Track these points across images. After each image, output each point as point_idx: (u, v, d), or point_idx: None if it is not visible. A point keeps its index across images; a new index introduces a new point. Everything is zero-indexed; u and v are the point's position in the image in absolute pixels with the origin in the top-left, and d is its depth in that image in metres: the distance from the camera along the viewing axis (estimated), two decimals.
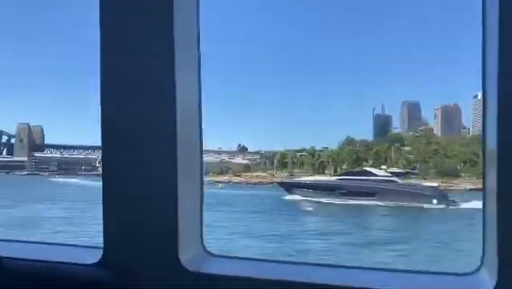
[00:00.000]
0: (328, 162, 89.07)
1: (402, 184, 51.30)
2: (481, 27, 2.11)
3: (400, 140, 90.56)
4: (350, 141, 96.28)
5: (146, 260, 2.45)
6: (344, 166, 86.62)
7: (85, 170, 79.74)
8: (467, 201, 41.24)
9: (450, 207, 45.30)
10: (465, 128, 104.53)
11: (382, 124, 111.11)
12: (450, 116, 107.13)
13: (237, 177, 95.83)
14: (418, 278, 2.44)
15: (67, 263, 2.57)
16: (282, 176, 77.46)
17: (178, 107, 2.33)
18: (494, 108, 1.99)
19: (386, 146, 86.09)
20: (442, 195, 48.67)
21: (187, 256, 2.45)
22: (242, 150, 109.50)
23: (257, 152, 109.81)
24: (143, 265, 2.46)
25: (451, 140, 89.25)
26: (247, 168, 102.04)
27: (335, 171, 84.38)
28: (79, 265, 2.54)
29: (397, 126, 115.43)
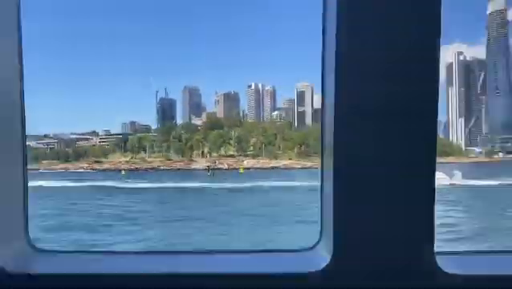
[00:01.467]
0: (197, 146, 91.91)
1: None
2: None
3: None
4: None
5: None
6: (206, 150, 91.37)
7: None
8: None
9: None
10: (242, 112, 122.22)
11: (166, 108, 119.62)
12: (231, 101, 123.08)
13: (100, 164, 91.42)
14: (258, 257, 2.41)
15: None
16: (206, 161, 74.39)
17: None
18: (331, 90, 2.08)
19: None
20: None
21: (6, 255, 2.14)
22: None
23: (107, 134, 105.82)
24: None
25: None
26: (102, 152, 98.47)
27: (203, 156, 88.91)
28: None
29: (179, 111, 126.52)
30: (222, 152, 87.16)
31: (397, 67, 1.98)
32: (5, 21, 2.08)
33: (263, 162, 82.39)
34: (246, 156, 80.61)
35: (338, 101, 2.02)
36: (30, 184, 2.36)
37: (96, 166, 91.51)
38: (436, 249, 2.12)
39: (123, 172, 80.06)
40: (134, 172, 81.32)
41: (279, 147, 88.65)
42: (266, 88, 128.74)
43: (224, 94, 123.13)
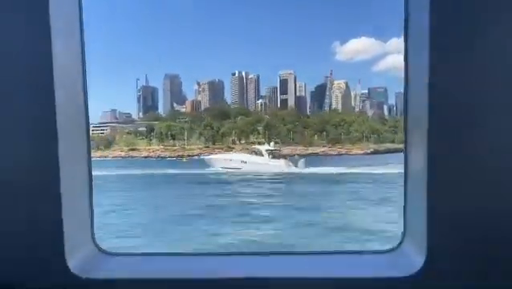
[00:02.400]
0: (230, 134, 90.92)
1: None
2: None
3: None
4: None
5: (30, 270, 2.11)
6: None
7: None
8: None
9: None
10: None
11: (148, 96, 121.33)
12: (215, 90, 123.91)
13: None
14: (345, 259, 2.33)
15: None
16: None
17: (56, 79, 2.02)
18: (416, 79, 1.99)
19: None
20: None
21: (76, 259, 2.14)
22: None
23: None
24: (27, 276, 2.12)
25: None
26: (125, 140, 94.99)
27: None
28: None
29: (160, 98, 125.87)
30: (253, 139, 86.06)
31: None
32: (69, 21, 2.19)
33: (300, 149, 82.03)
34: (277, 143, 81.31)
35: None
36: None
37: (134, 154, 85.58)
38: None
39: (184, 160, 75.68)
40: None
41: (302, 134, 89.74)
42: (250, 76, 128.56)
43: (208, 82, 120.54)
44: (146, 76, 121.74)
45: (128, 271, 2.21)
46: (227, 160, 52.36)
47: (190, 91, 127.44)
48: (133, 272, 2.20)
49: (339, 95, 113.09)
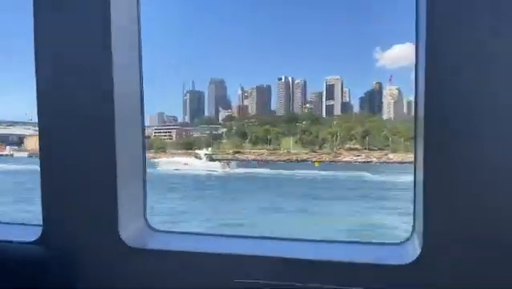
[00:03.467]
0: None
1: None
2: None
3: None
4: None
5: (86, 237, 2.43)
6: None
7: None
8: None
9: None
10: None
11: (194, 99, 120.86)
12: (263, 95, 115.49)
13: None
14: (347, 247, 2.53)
15: (6, 242, 2.47)
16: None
17: (116, 87, 2.31)
18: (423, 81, 2.10)
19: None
20: None
21: (128, 232, 2.45)
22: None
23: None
24: (84, 242, 2.43)
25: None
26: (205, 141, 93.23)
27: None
28: (19, 243, 2.46)
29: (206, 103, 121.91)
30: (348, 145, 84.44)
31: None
32: (129, 35, 2.40)
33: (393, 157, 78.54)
34: (370, 149, 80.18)
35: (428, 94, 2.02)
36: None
37: (240, 156, 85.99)
38: None
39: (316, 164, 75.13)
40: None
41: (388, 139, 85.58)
42: (296, 81, 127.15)
43: (256, 87, 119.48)
44: (193, 82, 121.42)
45: (171, 245, 2.47)
46: (174, 163, 62.10)
47: (234, 96, 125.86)
48: (176, 246, 2.45)
49: (392, 101, 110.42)
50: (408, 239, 2.36)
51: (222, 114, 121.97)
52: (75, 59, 2.32)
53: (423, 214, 2.10)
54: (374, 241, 2.55)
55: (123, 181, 2.38)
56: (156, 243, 2.49)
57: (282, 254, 2.36)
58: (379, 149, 76.73)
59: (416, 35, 2.19)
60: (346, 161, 79.25)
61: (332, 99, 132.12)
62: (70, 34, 2.31)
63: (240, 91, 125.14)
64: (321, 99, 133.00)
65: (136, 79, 2.52)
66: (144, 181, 2.60)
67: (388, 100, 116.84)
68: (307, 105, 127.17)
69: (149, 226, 2.61)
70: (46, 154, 2.42)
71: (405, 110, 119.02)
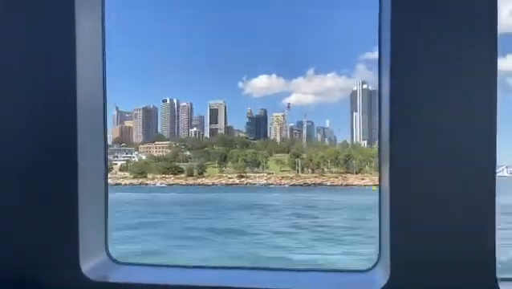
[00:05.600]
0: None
1: None
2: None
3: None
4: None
5: (45, 271, 2.31)
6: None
7: None
8: None
9: None
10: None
11: None
12: (150, 116, 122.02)
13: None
14: (313, 276, 2.48)
15: None
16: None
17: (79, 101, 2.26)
18: (387, 106, 2.08)
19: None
20: None
21: (89, 264, 2.35)
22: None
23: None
24: (41, 276, 2.31)
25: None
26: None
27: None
28: None
29: None
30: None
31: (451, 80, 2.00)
32: (91, 43, 2.34)
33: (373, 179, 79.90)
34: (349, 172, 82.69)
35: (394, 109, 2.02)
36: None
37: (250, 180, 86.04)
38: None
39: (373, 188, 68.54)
40: None
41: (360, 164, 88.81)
42: (183, 104, 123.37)
43: (143, 108, 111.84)
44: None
45: (134, 278, 2.40)
46: None
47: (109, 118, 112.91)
48: (139, 279, 2.39)
49: (278, 126, 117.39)
50: (374, 266, 2.30)
51: None
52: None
53: (390, 241, 2.05)
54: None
55: (85, 207, 2.28)
56: (118, 276, 2.41)
57: (250, 285, 2.32)
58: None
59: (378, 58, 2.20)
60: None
61: (216, 123, 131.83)
62: (33, 41, 2.23)
63: (115, 112, 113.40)
64: (202, 122, 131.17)
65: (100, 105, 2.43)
66: (106, 206, 2.48)
67: (274, 126, 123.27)
68: (194, 129, 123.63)
69: (112, 259, 2.51)
70: None
71: (288, 134, 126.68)
